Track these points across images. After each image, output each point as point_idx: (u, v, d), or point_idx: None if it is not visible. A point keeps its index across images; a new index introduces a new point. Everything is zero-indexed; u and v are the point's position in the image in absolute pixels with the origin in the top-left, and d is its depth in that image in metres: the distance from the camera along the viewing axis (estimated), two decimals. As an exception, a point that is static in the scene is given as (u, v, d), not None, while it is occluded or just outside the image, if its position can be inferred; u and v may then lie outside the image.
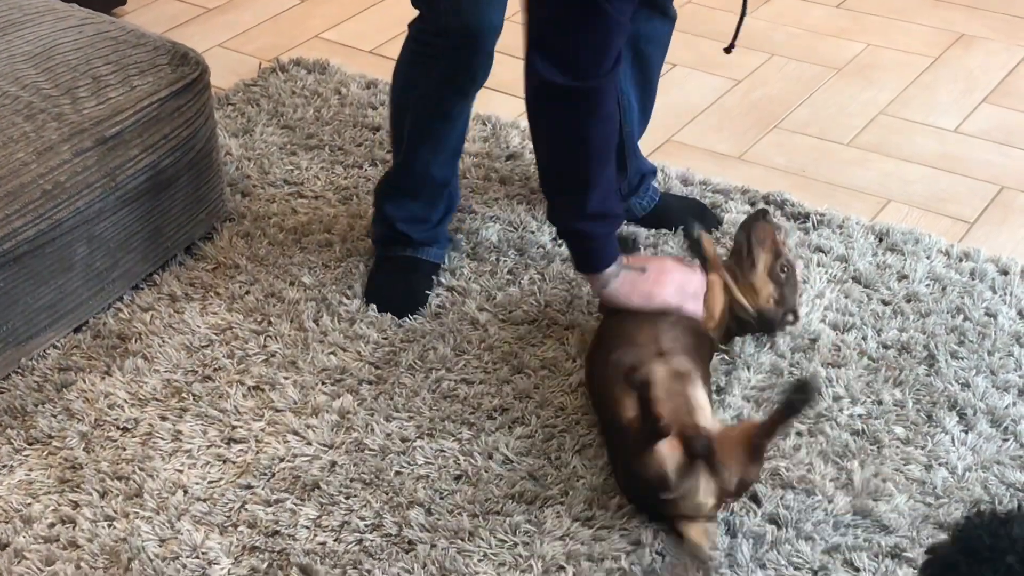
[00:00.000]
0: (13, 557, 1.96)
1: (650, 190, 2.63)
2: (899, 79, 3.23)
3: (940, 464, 2.09)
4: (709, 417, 1.99)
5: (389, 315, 2.41)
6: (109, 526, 2.01)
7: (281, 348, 2.34)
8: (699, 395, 2.02)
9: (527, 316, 2.41)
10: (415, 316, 2.41)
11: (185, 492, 2.06)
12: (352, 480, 2.08)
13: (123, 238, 2.40)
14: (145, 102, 2.38)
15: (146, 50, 2.47)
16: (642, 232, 2.61)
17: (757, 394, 2.23)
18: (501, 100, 2.99)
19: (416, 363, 2.30)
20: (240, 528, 2.00)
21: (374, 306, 2.42)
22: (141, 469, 2.10)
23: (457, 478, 2.08)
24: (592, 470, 2.08)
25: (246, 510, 2.03)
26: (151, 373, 2.29)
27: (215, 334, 2.38)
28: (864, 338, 2.35)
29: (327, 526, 2.00)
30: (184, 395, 2.25)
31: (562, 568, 1.93)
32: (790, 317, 2.30)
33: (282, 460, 2.12)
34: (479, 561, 1.94)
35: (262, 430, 2.17)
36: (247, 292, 2.47)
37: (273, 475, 2.09)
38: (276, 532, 2.00)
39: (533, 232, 2.62)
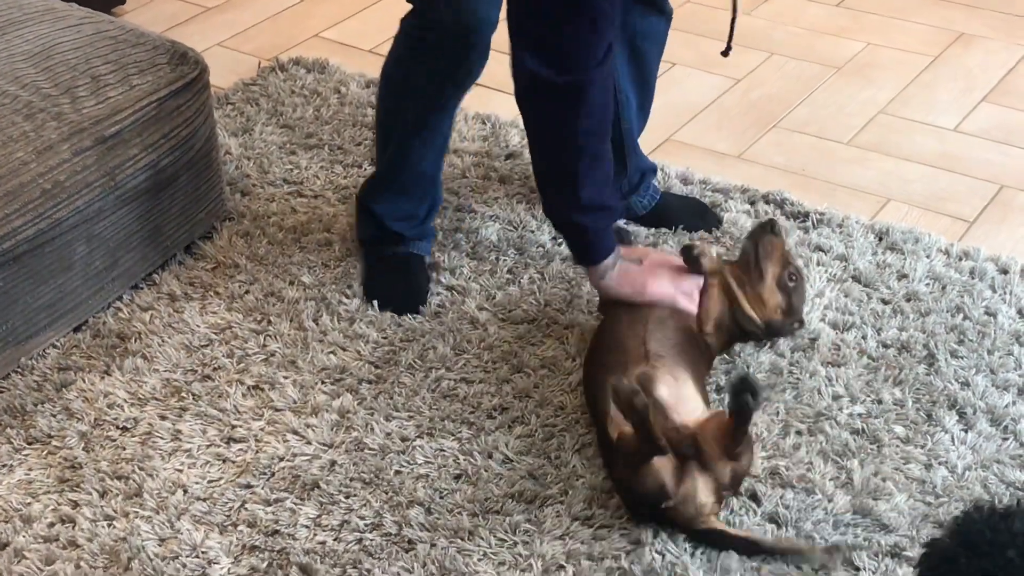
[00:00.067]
0: (13, 557, 1.96)
1: (651, 189, 2.63)
2: (898, 78, 3.23)
3: (940, 463, 2.09)
4: (699, 413, 1.99)
5: (389, 314, 2.41)
6: (109, 525, 2.01)
7: (281, 347, 2.34)
8: (687, 392, 2.02)
9: (527, 315, 2.41)
10: (415, 315, 2.41)
11: (185, 491, 2.06)
12: (352, 479, 2.08)
13: (122, 237, 2.40)
14: (144, 101, 2.38)
15: (145, 49, 2.47)
16: (641, 231, 2.61)
17: (757, 393, 2.23)
18: (501, 99, 2.98)
19: (416, 362, 2.30)
20: (240, 527, 2.00)
21: (374, 304, 2.42)
22: (141, 468, 2.10)
23: (457, 477, 2.08)
24: (592, 469, 2.08)
25: (246, 509, 2.03)
26: (151, 372, 2.29)
27: (215, 333, 2.38)
28: (864, 337, 2.35)
29: (327, 525, 2.00)
30: (184, 394, 2.25)
31: (562, 567, 1.93)
32: (795, 325, 2.29)
33: (282, 459, 2.12)
34: (479, 560, 1.94)
35: (262, 429, 2.17)
36: (247, 291, 2.47)
37: (273, 474, 2.09)
38: (276, 531, 2.00)
39: (533, 231, 2.62)
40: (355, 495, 2.05)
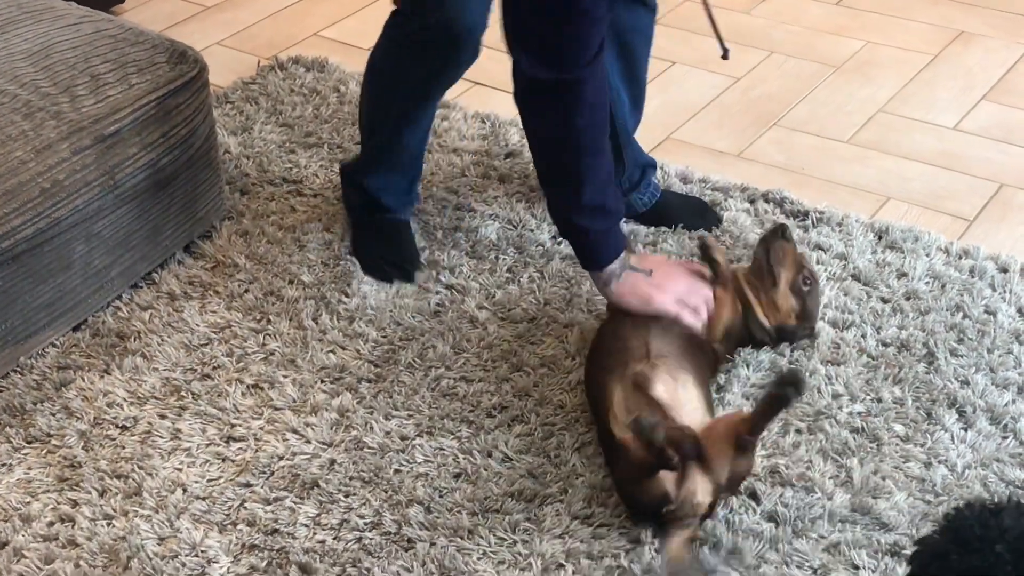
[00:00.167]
0: (12, 556, 1.96)
1: (651, 186, 2.63)
2: (898, 76, 3.23)
3: (939, 462, 2.09)
4: (700, 417, 1.98)
5: (388, 313, 2.41)
6: (108, 524, 2.00)
7: (280, 346, 2.34)
8: (690, 395, 2.01)
9: (526, 314, 2.41)
10: (414, 315, 2.41)
11: (184, 490, 2.06)
12: (351, 478, 2.08)
13: (122, 236, 2.40)
14: (144, 100, 2.38)
15: (144, 48, 2.47)
16: (641, 230, 2.61)
17: (756, 391, 2.22)
18: (500, 98, 2.98)
19: (415, 361, 2.30)
20: (239, 526, 2.00)
21: (372, 303, 2.42)
22: (140, 467, 2.10)
23: (456, 476, 2.08)
24: (591, 468, 2.08)
25: (245, 508, 2.03)
26: (150, 371, 2.29)
27: (214, 332, 2.38)
28: (863, 336, 2.35)
29: (326, 524, 2.00)
30: (183, 393, 2.25)
31: (561, 566, 1.92)
32: (807, 331, 2.28)
33: (281, 458, 2.12)
34: (478, 559, 1.94)
35: (261, 428, 2.17)
36: (246, 290, 2.47)
37: (272, 473, 2.09)
38: (275, 530, 1.99)
39: (532, 230, 2.62)
40: (354, 494, 2.05)
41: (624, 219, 2.59)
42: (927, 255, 2.53)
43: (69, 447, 2.14)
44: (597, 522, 1.99)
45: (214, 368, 2.30)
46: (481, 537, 1.97)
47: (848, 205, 2.72)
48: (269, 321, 2.40)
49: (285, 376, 2.28)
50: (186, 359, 2.32)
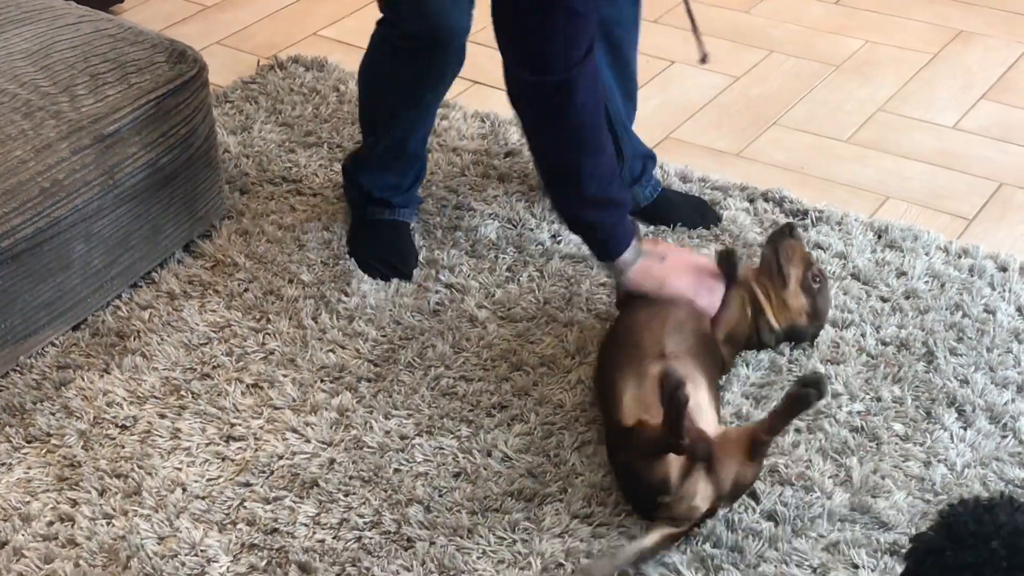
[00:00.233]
0: (12, 555, 1.96)
1: (653, 180, 2.64)
2: (897, 76, 3.23)
3: (939, 461, 2.09)
4: (710, 421, 1.99)
5: (388, 312, 2.41)
6: (108, 524, 2.01)
7: (280, 346, 2.34)
8: (701, 398, 2.01)
9: (526, 313, 2.41)
10: (414, 314, 2.41)
11: (184, 490, 2.06)
12: (351, 478, 2.08)
13: (121, 236, 2.40)
14: (143, 100, 2.38)
15: (144, 48, 2.47)
16: (641, 229, 2.61)
17: (756, 391, 2.22)
18: (499, 97, 2.96)
19: (415, 360, 2.30)
20: (239, 526, 2.00)
21: (372, 302, 2.42)
22: (140, 467, 2.10)
23: (456, 475, 2.08)
24: (591, 467, 2.08)
25: (245, 508, 2.03)
26: (150, 371, 2.29)
27: (214, 332, 2.38)
28: (863, 335, 2.35)
29: (326, 524, 2.00)
30: (183, 393, 2.25)
31: (561, 565, 1.93)
32: (815, 330, 2.28)
33: (281, 458, 2.12)
34: (478, 558, 1.94)
35: (261, 428, 2.17)
36: (246, 290, 2.47)
37: (272, 473, 2.09)
38: (275, 530, 1.99)
39: (532, 229, 2.62)
40: (354, 493, 2.05)
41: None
42: (926, 254, 2.54)
43: (69, 446, 2.14)
44: (596, 521, 1.99)
45: (214, 367, 2.30)
46: (481, 536, 1.97)
47: (847, 204, 2.72)
48: (269, 320, 2.40)
49: (285, 375, 2.28)
50: (186, 358, 2.32)
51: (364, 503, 2.03)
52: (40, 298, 2.28)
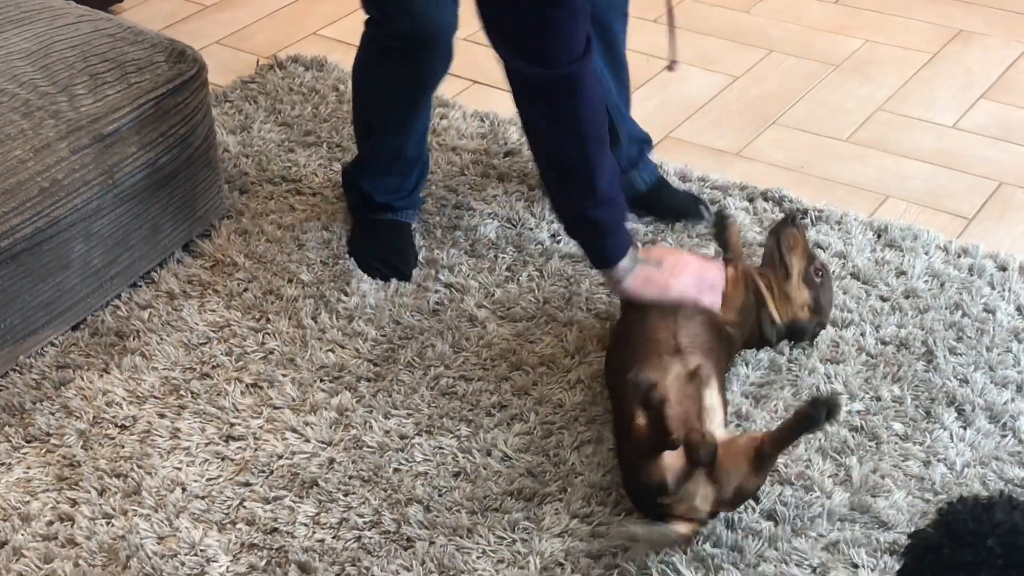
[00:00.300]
0: (12, 555, 1.96)
1: (650, 164, 2.64)
2: (897, 75, 3.23)
3: (938, 460, 2.09)
4: (719, 423, 1.98)
5: (387, 311, 2.41)
6: (107, 524, 2.01)
7: (279, 345, 2.34)
8: (712, 398, 2.00)
9: (525, 313, 2.41)
10: (414, 313, 2.41)
11: (183, 490, 2.06)
12: (350, 477, 2.08)
13: (121, 235, 2.40)
14: (142, 99, 2.38)
15: (143, 47, 2.47)
16: (640, 230, 2.61)
17: (756, 390, 2.22)
18: (499, 97, 2.98)
19: (414, 360, 2.30)
20: (238, 525, 2.00)
21: (372, 302, 2.42)
22: (139, 467, 2.10)
23: (456, 475, 2.08)
24: (590, 467, 2.08)
25: (244, 507, 2.03)
26: (149, 371, 2.29)
27: (213, 331, 2.38)
28: (863, 334, 2.35)
29: (325, 523, 2.00)
30: (182, 392, 2.25)
31: (560, 564, 1.93)
32: (818, 327, 2.26)
33: (280, 457, 2.12)
34: (477, 558, 1.94)
35: (260, 427, 2.17)
36: (245, 289, 2.47)
37: (271, 472, 2.09)
38: (274, 529, 1.99)
39: (531, 229, 2.62)
40: (354, 493, 2.05)
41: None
42: (926, 253, 2.54)
43: (68, 446, 2.14)
44: (596, 521, 1.99)
45: (213, 367, 2.30)
46: (480, 536, 1.97)
47: (847, 204, 2.72)
48: (268, 320, 2.40)
49: (284, 375, 2.28)
50: (185, 358, 2.32)
51: (364, 503, 2.03)
52: (39, 298, 2.28)
